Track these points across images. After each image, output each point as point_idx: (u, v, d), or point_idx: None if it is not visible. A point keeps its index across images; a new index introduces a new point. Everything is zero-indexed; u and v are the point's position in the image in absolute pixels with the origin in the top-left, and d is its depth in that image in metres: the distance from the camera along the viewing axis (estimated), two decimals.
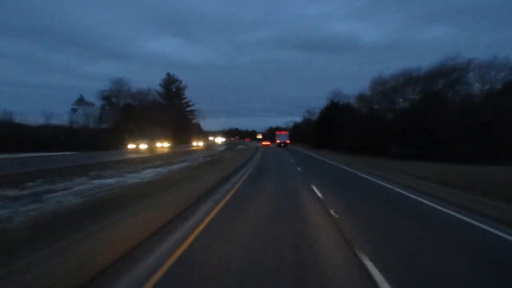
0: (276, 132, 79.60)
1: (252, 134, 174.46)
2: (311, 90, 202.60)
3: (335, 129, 48.98)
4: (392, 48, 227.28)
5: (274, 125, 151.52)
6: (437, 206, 8.30)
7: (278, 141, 67.93)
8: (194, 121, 79.25)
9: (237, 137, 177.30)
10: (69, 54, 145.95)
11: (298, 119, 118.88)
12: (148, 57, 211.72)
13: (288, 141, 67.63)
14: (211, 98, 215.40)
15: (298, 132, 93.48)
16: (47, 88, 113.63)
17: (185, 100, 69.53)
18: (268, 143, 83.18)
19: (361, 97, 44.96)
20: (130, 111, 50.26)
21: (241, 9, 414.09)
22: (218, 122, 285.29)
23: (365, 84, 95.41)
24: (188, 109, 71.56)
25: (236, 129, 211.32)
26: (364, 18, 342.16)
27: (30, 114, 77.03)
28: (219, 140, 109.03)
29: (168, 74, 65.25)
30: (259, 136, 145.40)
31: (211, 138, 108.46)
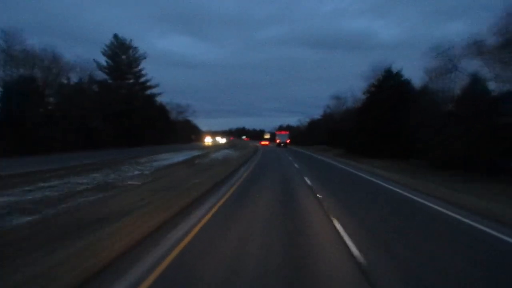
0: (276, 132, 78.58)
1: (260, 134, 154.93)
2: (325, 89, 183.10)
3: (405, 123, 24.59)
4: (410, 45, 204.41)
5: (285, 124, 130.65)
6: None
7: (278, 141, 67.96)
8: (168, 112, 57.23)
9: (244, 137, 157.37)
10: (77, 52, 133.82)
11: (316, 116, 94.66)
12: (158, 55, 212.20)
13: (288, 141, 67.53)
14: (221, 97, 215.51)
15: (317, 132, 68.94)
16: None
17: (144, 79, 45.56)
18: (267, 143, 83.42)
19: (474, 48, 19.96)
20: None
21: (253, 6, 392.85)
22: (226, 121, 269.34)
23: None
24: (149, 92, 47.56)
25: (243, 128, 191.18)
26: (380, 14, 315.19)
27: None
28: (210, 140, 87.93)
29: (115, 36, 41.62)
30: (267, 136, 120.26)
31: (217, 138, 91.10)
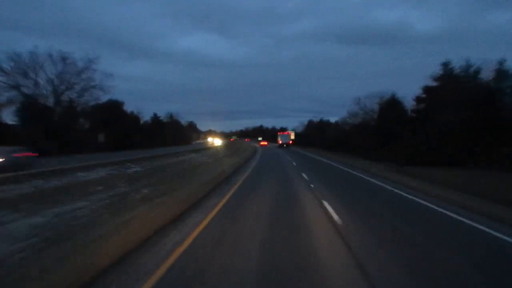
0: (279, 133, 75.40)
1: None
2: (357, 87, 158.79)
3: None
4: (450, 38, 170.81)
5: (317, 120, 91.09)
6: None
7: (280, 142, 63.66)
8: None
9: (262, 138, 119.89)
10: (100, 53, 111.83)
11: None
12: (182, 54, 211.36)
13: (290, 142, 64.31)
14: (244, 97, 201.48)
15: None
16: None
17: None
18: (266, 143, 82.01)
19: None
20: None
21: None
22: (247, 122, 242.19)
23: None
24: None
25: (261, 126, 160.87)
26: (417, 4, 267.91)
27: None
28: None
29: None
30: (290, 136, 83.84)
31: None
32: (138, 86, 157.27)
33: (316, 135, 62.12)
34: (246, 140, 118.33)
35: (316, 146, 59.24)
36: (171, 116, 72.74)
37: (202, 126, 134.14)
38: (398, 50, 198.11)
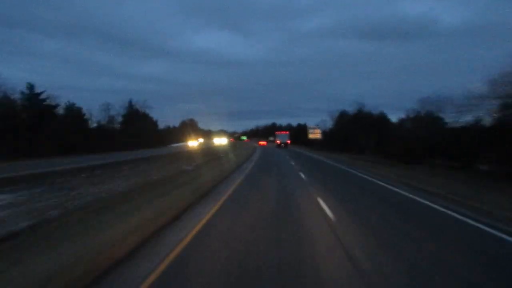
0: (276, 132, 71.40)
1: (301, 131, 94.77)
2: (378, 86, 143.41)
3: None
4: (478, 32, 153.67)
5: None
6: None
7: (278, 141, 62.75)
8: None
9: (273, 137, 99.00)
10: (113, 53, 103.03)
11: None
12: (196, 53, 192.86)
13: (288, 141, 62.42)
14: (260, 97, 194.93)
15: None
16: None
17: None
18: (265, 143, 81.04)
19: None
20: None
21: None
22: (263, 122, 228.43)
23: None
24: None
25: (273, 125, 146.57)
26: None
27: None
28: None
29: None
30: (316, 135, 71.32)
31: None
32: (151, 86, 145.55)
33: (368, 133, 36.60)
34: (245, 140, 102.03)
35: (364, 153, 34.31)
36: (130, 105, 48.26)
37: (214, 126, 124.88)
38: (423, 45, 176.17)
